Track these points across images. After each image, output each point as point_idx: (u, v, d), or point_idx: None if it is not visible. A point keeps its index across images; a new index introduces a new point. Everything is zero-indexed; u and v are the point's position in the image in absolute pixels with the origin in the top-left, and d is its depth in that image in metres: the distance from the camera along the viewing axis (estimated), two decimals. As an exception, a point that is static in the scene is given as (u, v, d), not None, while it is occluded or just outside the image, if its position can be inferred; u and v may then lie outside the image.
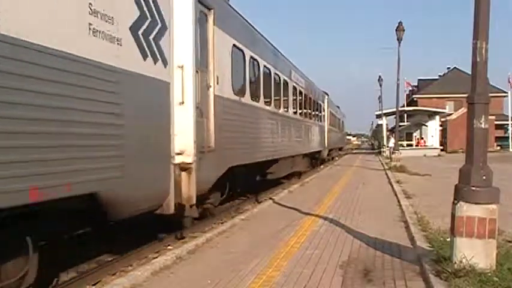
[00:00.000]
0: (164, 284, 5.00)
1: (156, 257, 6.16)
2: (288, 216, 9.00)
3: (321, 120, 23.98)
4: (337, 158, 36.93)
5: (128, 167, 5.39)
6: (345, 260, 5.74)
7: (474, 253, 4.50)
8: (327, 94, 27.52)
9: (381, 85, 46.77)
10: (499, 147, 45.54)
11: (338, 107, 38.89)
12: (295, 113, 16.44)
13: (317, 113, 22.65)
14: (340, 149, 44.45)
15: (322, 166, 26.10)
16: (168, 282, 5.04)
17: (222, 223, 8.86)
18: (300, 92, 17.75)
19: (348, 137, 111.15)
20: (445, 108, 44.78)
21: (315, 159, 23.85)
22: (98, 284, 5.49)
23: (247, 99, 10.18)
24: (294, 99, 16.34)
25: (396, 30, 24.68)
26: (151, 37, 5.99)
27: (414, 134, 42.47)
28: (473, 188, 4.59)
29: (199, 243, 6.70)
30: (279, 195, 12.63)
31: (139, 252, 6.73)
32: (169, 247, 7.05)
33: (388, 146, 36.00)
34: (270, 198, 11.90)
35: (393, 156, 24.93)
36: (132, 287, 4.82)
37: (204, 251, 6.39)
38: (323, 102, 25.45)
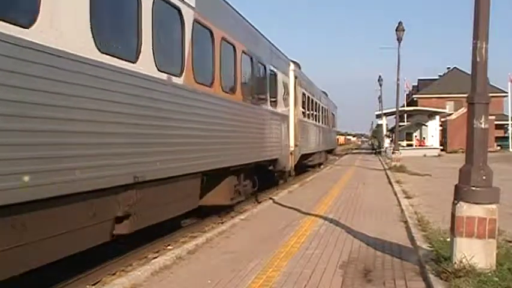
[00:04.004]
0: (164, 284, 5.00)
1: (156, 257, 6.16)
2: (288, 216, 9.00)
3: (277, 105, 13.30)
4: (325, 165, 27.11)
5: None
6: (345, 260, 5.74)
7: (474, 253, 4.50)
8: (298, 64, 17.45)
9: (381, 85, 46.81)
10: (499, 147, 45.53)
11: (326, 93, 28.36)
12: (170, 73, 6.53)
13: (268, 90, 12.28)
14: (330, 151, 32.18)
15: (323, 167, 25.97)
16: (168, 282, 5.04)
17: (222, 223, 8.87)
18: (200, 30, 7.64)
19: (348, 137, 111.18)
20: (445, 108, 44.79)
21: (271, 173, 13.84)
22: (98, 284, 5.50)
23: None
24: (170, 40, 6.89)
25: (396, 30, 24.63)
26: None
27: (414, 134, 42.47)
28: (473, 188, 4.58)
29: (199, 243, 6.70)
30: (279, 195, 12.64)
31: (139, 252, 6.73)
32: (169, 247, 7.06)
33: (385, 147, 35.97)
34: (270, 198, 11.91)
35: (393, 156, 24.84)
36: (132, 287, 4.82)
37: (204, 251, 6.38)
38: (286, 75, 14.86)
